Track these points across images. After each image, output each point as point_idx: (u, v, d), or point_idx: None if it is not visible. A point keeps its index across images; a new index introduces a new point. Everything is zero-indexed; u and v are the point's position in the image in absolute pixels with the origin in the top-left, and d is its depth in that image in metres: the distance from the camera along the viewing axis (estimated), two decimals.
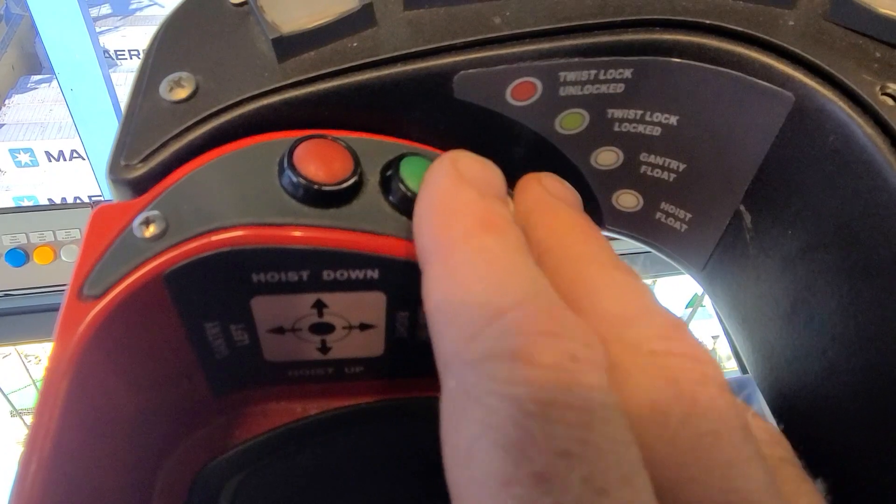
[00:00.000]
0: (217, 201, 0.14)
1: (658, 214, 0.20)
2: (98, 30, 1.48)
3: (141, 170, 0.15)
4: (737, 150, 0.17)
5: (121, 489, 0.15)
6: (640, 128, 0.18)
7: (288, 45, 0.15)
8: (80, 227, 0.67)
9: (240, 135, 0.15)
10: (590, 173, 0.19)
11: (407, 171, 0.15)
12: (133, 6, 1.72)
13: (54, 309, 0.72)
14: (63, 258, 0.67)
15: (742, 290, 0.19)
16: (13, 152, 1.59)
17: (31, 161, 1.61)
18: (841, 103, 0.15)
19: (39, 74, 1.67)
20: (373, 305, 0.16)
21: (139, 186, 0.15)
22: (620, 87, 0.17)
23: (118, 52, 1.71)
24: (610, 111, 0.17)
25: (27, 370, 1.33)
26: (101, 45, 1.43)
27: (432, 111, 0.16)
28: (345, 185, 0.14)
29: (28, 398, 1.43)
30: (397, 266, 0.15)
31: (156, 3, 1.73)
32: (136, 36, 1.69)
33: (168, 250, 0.14)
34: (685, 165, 0.18)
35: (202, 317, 0.15)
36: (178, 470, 0.17)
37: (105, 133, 1.48)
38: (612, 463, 0.10)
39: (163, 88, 0.15)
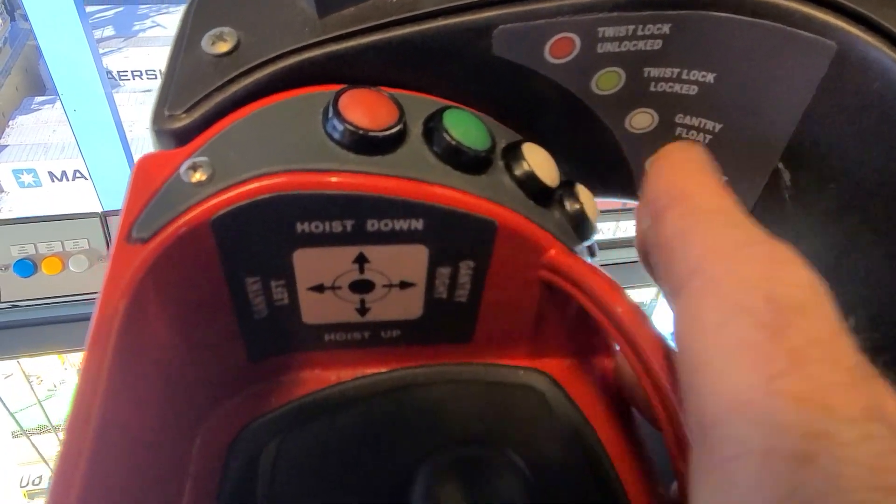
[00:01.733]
0: (263, 149, 0.14)
1: None
2: (101, 51, 1.49)
3: (185, 120, 0.14)
4: (776, 106, 0.17)
5: (162, 447, 0.15)
6: (677, 87, 0.18)
7: (329, 1, 0.15)
8: (88, 237, 0.67)
9: (281, 88, 0.15)
10: (624, 138, 0.19)
11: (451, 121, 0.15)
12: (136, 28, 1.73)
13: (62, 321, 0.72)
14: (71, 268, 0.66)
15: None
16: (16, 173, 1.59)
17: (34, 181, 1.61)
18: (885, 49, 0.15)
19: (43, 96, 1.67)
20: (414, 260, 0.16)
21: (183, 136, 0.14)
22: (658, 44, 0.17)
23: (121, 73, 1.72)
24: (647, 70, 0.17)
25: (32, 389, 1.32)
26: (105, 66, 1.44)
27: (470, 68, 0.16)
28: (390, 131, 0.14)
29: (31, 418, 1.42)
30: (441, 215, 0.15)
31: (158, 25, 1.74)
32: (139, 57, 1.70)
33: (216, 195, 0.13)
34: (721, 125, 0.18)
35: (245, 270, 0.15)
36: (213, 435, 0.17)
37: (108, 153, 1.48)
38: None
39: (205, 43, 0.15)
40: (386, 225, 0.15)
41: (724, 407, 0.10)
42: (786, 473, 0.09)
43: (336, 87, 0.15)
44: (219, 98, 0.15)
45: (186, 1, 0.17)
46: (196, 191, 0.13)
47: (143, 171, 0.14)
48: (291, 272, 0.15)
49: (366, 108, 0.14)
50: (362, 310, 0.17)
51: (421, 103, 0.16)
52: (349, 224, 0.15)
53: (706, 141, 0.18)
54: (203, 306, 0.15)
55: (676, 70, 0.17)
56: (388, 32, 0.16)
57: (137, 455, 0.13)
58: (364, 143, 0.14)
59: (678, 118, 0.18)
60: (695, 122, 0.18)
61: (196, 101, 0.15)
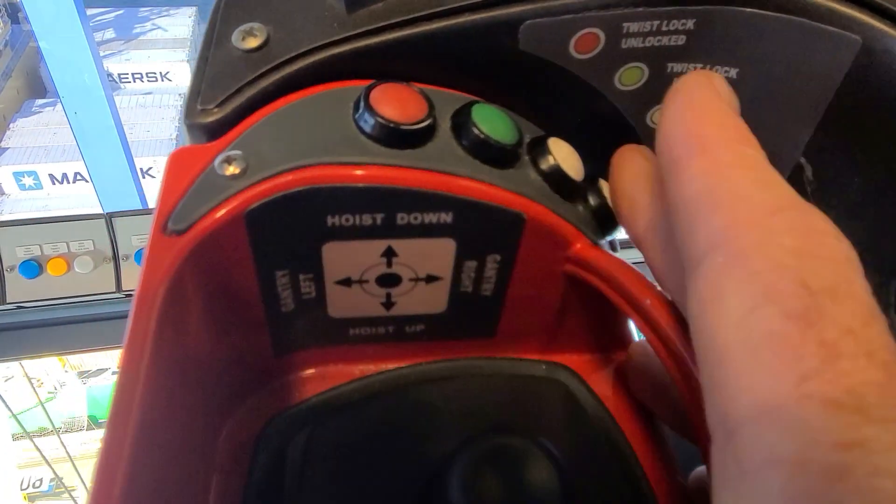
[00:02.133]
0: (295, 142, 0.14)
1: None
2: (102, 54, 1.50)
3: (217, 114, 0.15)
4: (799, 100, 0.17)
5: (189, 441, 0.15)
6: None
7: None
8: (93, 238, 0.67)
9: (310, 83, 0.15)
10: (645, 134, 0.19)
11: (479, 116, 0.15)
12: (136, 30, 1.73)
13: (67, 322, 0.72)
14: (76, 270, 0.66)
15: None
16: (17, 175, 1.59)
17: (34, 184, 1.62)
18: None
19: (44, 98, 1.68)
20: (442, 254, 0.16)
21: (215, 130, 0.15)
22: (682, 39, 0.17)
23: (122, 76, 1.72)
24: (670, 65, 0.17)
25: (35, 391, 1.31)
26: (105, 68, 1.44)
27: (497, 63, 0.17)
28: (420, 125, 0.14)
29: (32, 421, 1.41)
30: (471, 208, 0.15)
31: (159, 28, 1.75)
32: (140, 59, 1.71)
33: (250, 188, 0.14)
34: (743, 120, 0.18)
35: (275, 263, 0.15)
36: (240, 429, 0.17)
37: (108, 155, 1.48)
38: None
39: (235, 38, 0.15)
40: (416, 218, 0.15)
41: (751, 409, 0.10)
42: (819, 489, 0.09)
43: (364, 82, 0.15)
44: (250, 93, 0.15)
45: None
46: (230, 184, 0.14)
47: (178, 164, 0.14)
48: (320, 265, 0.16)
49: (396, 102, 0.14)
50: (388, 304, 0.17)
51: (449, 98, 0.16)
52: (379, 217, 0.15)
53: None
54: (233, 299, 0.15)
55: (699, 65, 0.17)
56: (415, 28, 0.16)
57: (168, 449, 0.13)
58: (394, 137, 0.14)
59: None
60: None
61: (228, 96, 0.15)
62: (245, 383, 0.17)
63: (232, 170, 0.14)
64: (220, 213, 0.13)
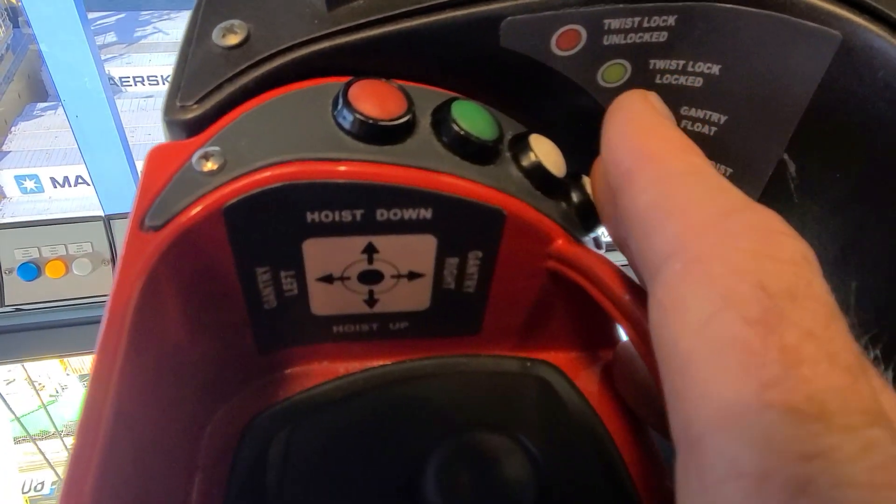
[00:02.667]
0: (273, 138, 0.14)
1: None
2: (103, 57, 1.50)
3: (196, 111, 0.15)
4: (781, 97, 0.17)
5: (171, 439, 0.15)
6: (682, 79, 0.18)
7: None
8: (91, 240, 0.67)
9: (291, 79, 0.15)
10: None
11: (459, 112, 0.15)
12: (138, 34, 1.74)
13: (66, 325, 0.72)
14: (75, 272, 0.66)
15: None
16: (19, 179, 1.60)
17: (36, 187, 1.62)
18: (890, 38, 0.15)
19: (45, 102, 1.68)
20: (423, 250, 0.16)
21: (194, 127, 0.15)
22: (664, 36, 0.17)
23: (123, 79, 1.73)
24: (652, 62, 0.17)
25: (37, 394, 1.32)
26: (107, 72, 1.44)
27: (478, 60, 0.17)
28: (399, 121, 0.15)
29: (33, 424, 1.42)
30: (451, 204, 0.15)
31: (160, 31, 1.75)
32: (141, 63, 1.71)
33: (227, 184, 0.14)
34: (726, 117, 0.18)
35: (255, 260, 0.15)
36: (223, 427, 0.17)
37: (110, 158, 1.49)
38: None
39: (215, 35, 0.15)
40: (395, 214, 0.15)
41: (714, 419, 0.09)
42: (782, 502, 0.09)
43: (344, 79, 0.15)
44: (230, 89, 0.15)
45: None
46: (208, 180, 0.14)
47: (156, 160, 0.14)
48: (301, 262, 0.16)
49: (375, 99, 0.14)
50: (371, 301, 0.17)
51: (429, 94, 0.16)
52: (359, 213, 0.15)
53: (711, 133, 0.19)
54: (214, 296, 0.15)
55: (682, 62, 0.17)
56: (396, 24, 0.16)
57: (147, 447, 0.13)
58: (373, 133, 0.14)
59: (683, 110, 0.18)
60: (700, 114, 0.18)
61: (207, 93, 0.15)
62: (229, 381, 0.17)
63: (210, 166, 0.14)
64: (197, 209, 0.13)
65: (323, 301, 0.17)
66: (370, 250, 0.16)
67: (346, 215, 0.15)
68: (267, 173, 0.14)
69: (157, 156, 0.14)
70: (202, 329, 0.15)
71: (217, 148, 0.14)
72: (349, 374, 0.18)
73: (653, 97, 0.15)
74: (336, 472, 0.16)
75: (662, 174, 0.13)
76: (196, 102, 0.15)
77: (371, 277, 0.16)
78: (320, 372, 0.18)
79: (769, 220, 0.11)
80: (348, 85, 0.15)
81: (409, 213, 0.15)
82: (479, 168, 0.15)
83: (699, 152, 0.13)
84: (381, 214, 0.15)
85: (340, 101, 0.14)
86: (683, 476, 0.10)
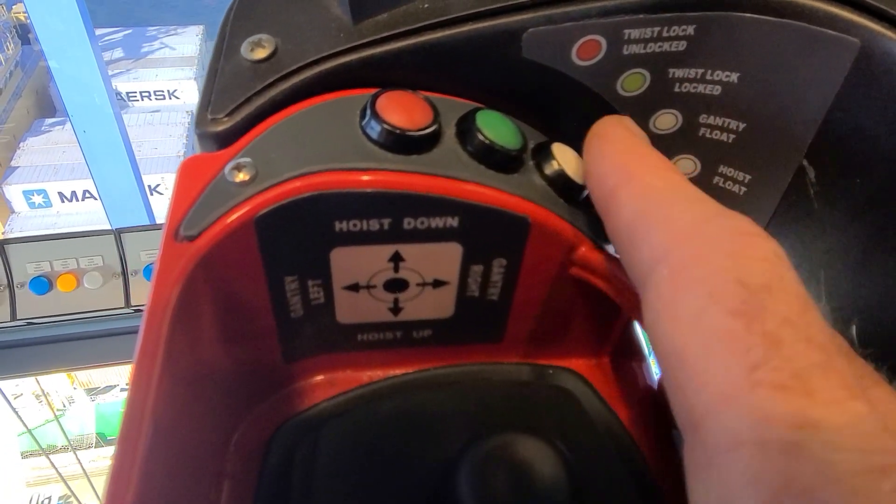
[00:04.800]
0: (303, 149, 0.14)
1: (716, 179, 0.20)
2: (111, 73, 1.52)
3: (227, 123, 0.15)
4: (800, 104, 0.17)
5: (200, 448, 0.15)
6: (701, 87, 0.18)
7: (363, 7, 0.16)
8: (102, 254, 0.68)
9: (318, 92, 0.16)
10: (649, 139, 0.19)
11: (484, 122, 0.16)
12: (145, 49, 1.76)
13: (77, 338, 0.72)
14: (86, 285, 0.67)
15: (807, 248, 0.19)
16: (27, 194, 1.62)
17: (44, 202, 1.64)
18: None
19: (53, 117, 1.70)
20: (448, 258, 0.16)
21: (225, 139, 0.15)
22: (682, 45, 0.17)
23: (130, 94, 1.75)
24: (671, 70, 0.18)
25: (50, 405, 1.32)
26: (114, 87, 1.46)
27: (501, 71, 0.17)
28: (426, 131, 0.15)
29: (41, 438, 1.42)
30: (476, 212, 0.15)
31: (167, 47, 1.77)
32: (148, 78, 1.73)
33: (259, 194, 0.14)
34: (745, 125, 0.18)
35: (284, 269, 0.15)
36: (250, 435, 0.17)
37: (117, 173, 1.50)
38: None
39: (244, 49, 0.16)
40: (422, 223, 0.15)
41: (712, 402, 0.10)
42: (780, 465, 0.09)
43: (370, 91, 0.16)
44: (259, 102, 0.15)
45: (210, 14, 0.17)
46: (240, 190, 0.14)
47: (189, 171, 0.14)
48: (328, 271, 0.16)
49: (402, 109, 0.15)
50: (395, 309, 0.17)
51: (453, 105, 0.16)
52: (386, 222, 0.15)
53: (730, 140, 0.19)
54: (244, 305, 0.15)
55: (700, 71, 0.18)
56: (420, 37, 0.16)
57: (179, 455, 0.14)
58: (401, 143, 0.15)
59: (702, 118, 0.19)
60: (718, 121, 0.19)
61: (237, 105, 0.15)
62: (255, 390, 0.17)
63: (242, 177, 0.14)
64: (231, 218, 0.13)
65: (348, 309, 0.17)
66: (396, 259, 0.16)
67: (374, 224, 0.15)
68: (297, 183, 0.14)
69: (189, 167, 0.14)
70: (232, 338, 0.16)
71: (248, 159, 0.14)
72: (373, 382, 0.18)
73: (627, 121, 0.16)
74: (362, 478, 0.16)
75: (643, 190, 0.14)
76: (227, 115, 0.15)
77: (396, 286, 0.17)
78: (344, 380, 0.18)
79: (742, 224, 0.12)
80: (376, 96, 0.15)
81: (436, 222, 0.15)
82: (503, 176, 0.15)
83: (674, 168, 0.14)
84: (408, 223, 0.15)
85: (368, 111, 0.15)
86: (691, 456, 0.11)
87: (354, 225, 0.15)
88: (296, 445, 0.16)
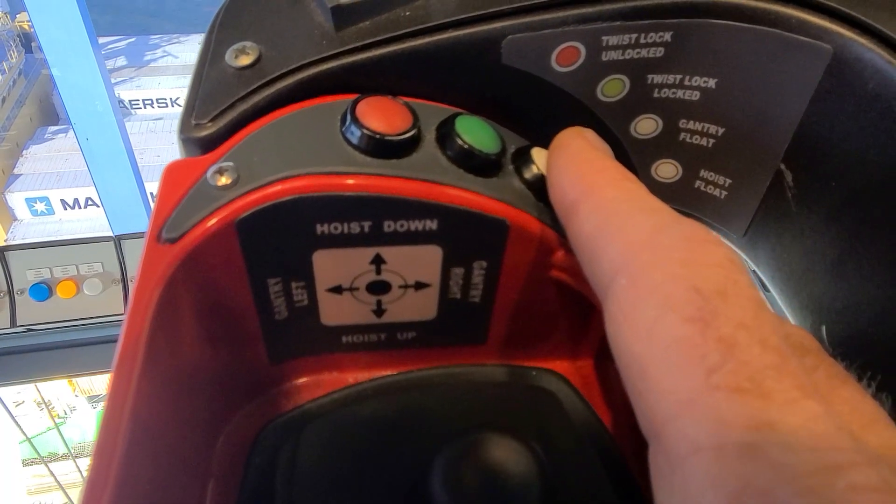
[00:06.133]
0: (284, 154, 0.15)
1: (697, 183, 0.20)
2: (114, 81, 1.53)
3: (210, 129, 0.15)
4: (776, 109, 0.17)
5: (185, 449, 0.15)
6: (680, 93, 0.18)
7: (346, 14, 0.16)
8: (102, 261, 0.68)
9: (301, 98, 0.16)
10: (630, 143, 0.20)
11: (463, 127, 0.16)
12: (147, 57, 1.77)
13: (76, 345, 0.73)
14: (86, 292, 0.67)
15: (786, 250, 0.19)
16: (29, 201, 1.63)
17: (46, 210, 1.65)
18: (879, 50, 0.15)
19: (56, 125, 1.71)
20: (429, 261, 0.16)
21: (208, 144, 0.15)
22: (660, 52, 0.17)
23: (133, 102, 1.77)
24: (650, 76, 0.18)
25: (49, 412, 1.32)
26: (117, 95, 1.47)
27: (481, 77, 0.17)
28: (405, 136, 0.15)
29: (42, 445, 1.42)
30: (456, 216, 0.15)
31: (169, 55, 1.79)
32: (151, 86, 1.74)
33: (241, 197, 0.14)
34: (724, 129, 0.19)
35: (267, 271, 0.16)
36: (235, 436, 0.17)
37: (119, 180, 1.51)
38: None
39: (228, 56, 0.16)
40: (402, 225, 0.15)
41: (671, 408, 0.11)
42: (738, 468, 0.09)
43: (352, 97, 0.16)
44: (242, 108, 0.15)
45: (206, 21, 0.18)
46: (222, 194, 0.14)
47: (172, 175, 0.14)
48: (311, 273, 0.16)
49: (382, 114, 0.15)
50: (378, 311, 0.17)
51: (433, 110, 0.16)
52: (367, 225, 0.15)
53: (710, 145, 0.19)
54: (227, 307, 0.16)
55: (678, 76, 0.18)
56: (401, 44, 0.16)
57: (163, 456, 0.14)
58: (380, 147, 0.15)
59: (682, 123, 0.19)
60: (698, 126, 0.19)
61: (221, 111, 0.15)
62: (241, 391, 0.18)
63: (223, 180, 0.14)
64: (212, 221, 0.14)
65: (332, 311, 0.17)
66: (378, 261, 0.16)
67: (355, 227, 0.15)
68: (278, 187, 0.14)
69: (173, 171, 0.15)
70: (216, 340, 0.16)
71: (231, 163, 0.14)
72: (358, 384, 0.18)
73: (588, 133, 0.17)
74: (344, 478, 0.16)
75: (602, 203, 0.14)
76: (210, 120, 0.15)
77: (379, 288, 0.17)
78: (329, 381, 0.19)
79: (696, 231, 0.13)
80: (356, 102, 0.15)
81: (416, 225, 0.15)
82: (482, 180, 0.16)
83: (632, 178, 0.15)
84: (389, 226, 0.15)
85: (348, 117, 0.15)
86: (654, 463, 0.11)
87: (335, 228, 0.15)
88: (279, 446, 0.17)
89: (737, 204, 0.20)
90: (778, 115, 0.18)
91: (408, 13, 0.17)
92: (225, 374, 0.17)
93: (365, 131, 0.15)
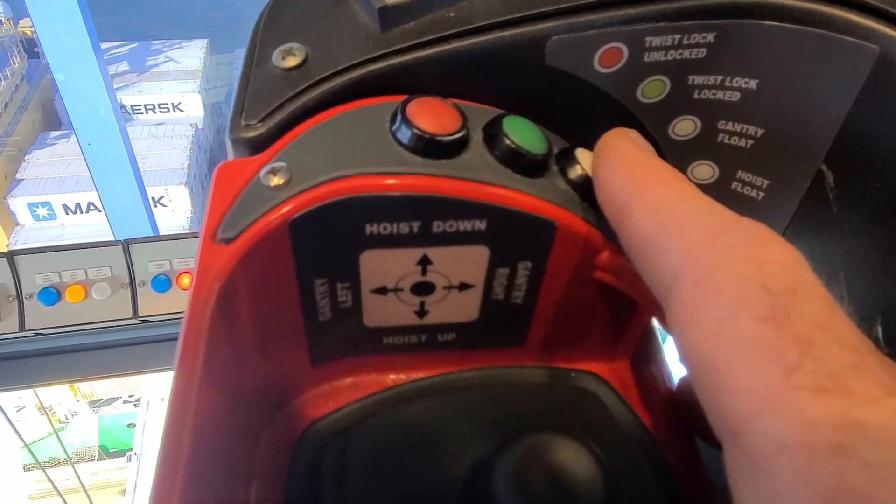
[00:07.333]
0: (336, 154, 0.15)
1: (734, 184, 0.20)
2: (116, 86, 1.53)
3: (260, 129, 0.15)
4: (818, 110, 0.17)
5: (229, 450, 0.15)
6: (720, 94, 0.18)
7: (392, 15, 0.16)
8: (110, 265, 0.68)
9: (348, 99, 0.16)
10: (667, 145, 0.20)
11: (510, 127, 0.16)
12: (149, 63, 1.78)
13: (84, 349, 0.73)
14: (94, 296, 0.67)
15: (826, 252, 0.19)
16: (32, 206, 1.62)
17: (48, 214, 1.64)
18: None
19: (58, 130, 1.71)
20: (475, 261, 0.16)
21: (258, 144, 0.15)
22: (702, 52, 0.17)
23: (134, 107, 1.76)
24: (691, 77, 0.18)
25: (48, 418, 1.31)
26: (119, 100, 1.47)
27: (524, 78, 0.17)
28: (455, 136, 0.15)
29: (44, 450, 1.41)
30: (505, 216, 0.15)
31: (171, 60, 1.79)
32: (153, 91, 1.75)
33: (294, 197, 0.14)
34: (763, 131, 0.19)
35: (315, 272, 0.16)
36: (277, 437, 0.17)
37: (121, 185, 1.51)
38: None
39: (275, 57, 0.16)
40: (451, 226, 0.15)
41: (750, 408, 0.10)
42: (830, 467, 0.09)
43: (398, 98, 0.16)
44: (291, 108, 0.15)
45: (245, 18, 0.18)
46: (275, 194, 0.14)
47: (224, 176, 0.14)
48: (357, 274, 0.16)
49: (432, 115, 0.15)
50: (421, 312, 0.17)
51: (479, 111, 0.17)
52: (416, 225, 0.15)
53: (748, 146, 0.19)
54: (274, 308, 0.16)
55: (720, 77, 0.18)
56: (447, 45, 0.16)
57: (213, 456, 0.14)
58: (430, 147, 0.15)
59: (720, 124, 0.19)
60: (737, 127, 0.19)
61: (270, 112, 0.15)
62: (283, 392, 0.18)
63: (276, 181, 0.14)
64: (268, 221, 0.14)
65: (375, 312, 0.17)
66: (424, 262, 0.16)
67: (404, 227, 0.15)
68: (331, 187, 0.14)
69: (225, 172, 0.14)
70: (264, 340, 0.16)
71: (283, 164, 0.14)
72: (398, 385, 0.18)
73: (633, 134, 0.17)
74: (390, 480, 0.16)
75: (656, 203, 0.14)
76: (260, 121, 0.15)
77: (423, 289, 0.17)
78: (369, 383, 0.19)
79: (758, 231, 0.12)
80: (406, 102, 0.15)
81: (464, 225, 0.15)
82: (530, 181, 0.16)
83: (683, 177, 0.14)
84: (437, 226, 0.15)
85: (399, 117, 0.15)
86: (733, 463, 0.11)
87: (385, 228, 0.15)
88: (324, 448, 0.16)
89: (775, 205, 0.20)
90: (820, 115, 0.18)
91: (452, 14, 0.17)
92: (269, 374, 0.17)
93: (415, 131, 0.15)
